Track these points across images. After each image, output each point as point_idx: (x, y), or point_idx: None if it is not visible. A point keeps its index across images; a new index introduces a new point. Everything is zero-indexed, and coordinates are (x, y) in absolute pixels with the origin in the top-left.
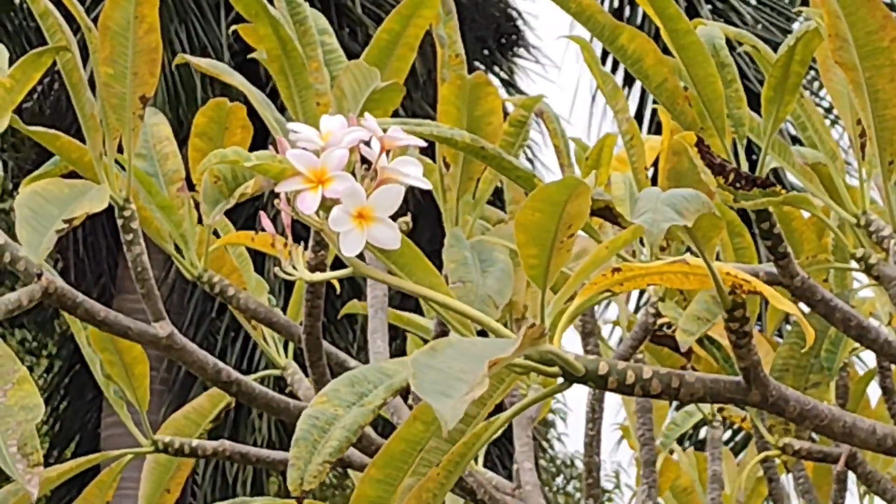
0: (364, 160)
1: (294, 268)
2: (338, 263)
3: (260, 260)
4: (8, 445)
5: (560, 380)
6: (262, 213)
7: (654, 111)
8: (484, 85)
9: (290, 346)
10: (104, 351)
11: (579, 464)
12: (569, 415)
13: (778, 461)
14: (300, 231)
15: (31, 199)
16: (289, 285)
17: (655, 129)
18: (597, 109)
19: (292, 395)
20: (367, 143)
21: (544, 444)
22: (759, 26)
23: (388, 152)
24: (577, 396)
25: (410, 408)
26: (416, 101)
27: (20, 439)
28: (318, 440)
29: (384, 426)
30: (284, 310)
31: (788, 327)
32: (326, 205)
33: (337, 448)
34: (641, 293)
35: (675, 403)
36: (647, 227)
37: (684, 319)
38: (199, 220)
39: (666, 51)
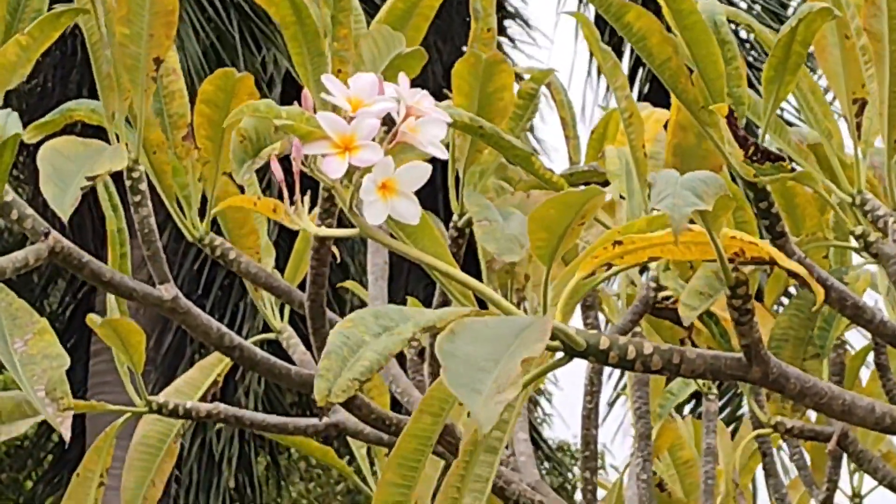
0: (386, 119)
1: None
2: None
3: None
4: (36, 390)
5: (561, 354)
6: (273, 158)
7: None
8: (498, 63)
9: (287, 310)
10: (101, 328)
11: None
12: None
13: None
14: (306, 185)
15: (53, 156)
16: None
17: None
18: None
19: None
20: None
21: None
22: (754, 12)
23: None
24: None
25: (418, 386)
26: (427, 72)
27: (48, 384)
28: (349, 357)
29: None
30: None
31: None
32: (348, 171)
33: (368, 368)
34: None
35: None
36: (670, 213)
37: (686, 294)
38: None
39: (667, 28)
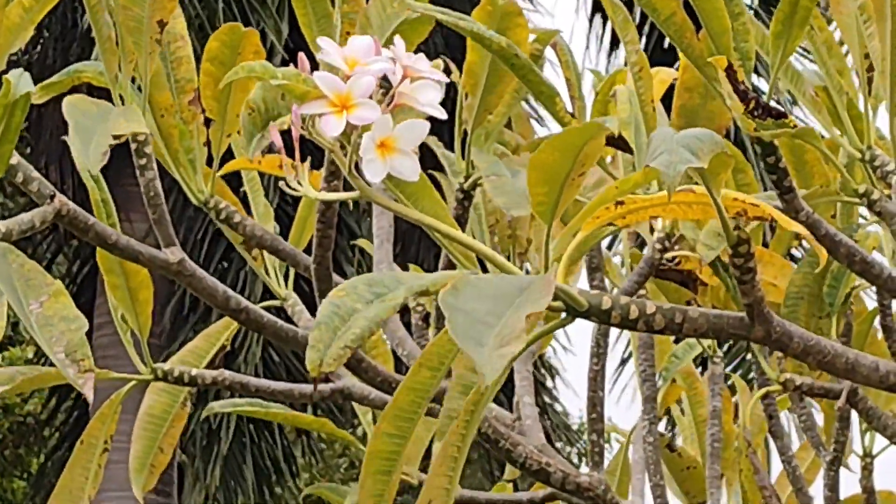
0: (383, 80)
1: (300, 183)
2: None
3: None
4: (55, 352)
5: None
6: (272, 126)
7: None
8: (514, 15)
9: (291, 277)
10: (110, 273)
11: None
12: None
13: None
14: (308, 152)
15: (75, 111)
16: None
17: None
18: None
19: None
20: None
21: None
22: None
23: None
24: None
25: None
26: (428, 43)
27: (67, 347)
28: (339, 327)
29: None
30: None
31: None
32: (344, 130)
33: (359, 335)
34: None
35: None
36: (664, 170)
37: (705, 234)
38: (207, 144)
39: None
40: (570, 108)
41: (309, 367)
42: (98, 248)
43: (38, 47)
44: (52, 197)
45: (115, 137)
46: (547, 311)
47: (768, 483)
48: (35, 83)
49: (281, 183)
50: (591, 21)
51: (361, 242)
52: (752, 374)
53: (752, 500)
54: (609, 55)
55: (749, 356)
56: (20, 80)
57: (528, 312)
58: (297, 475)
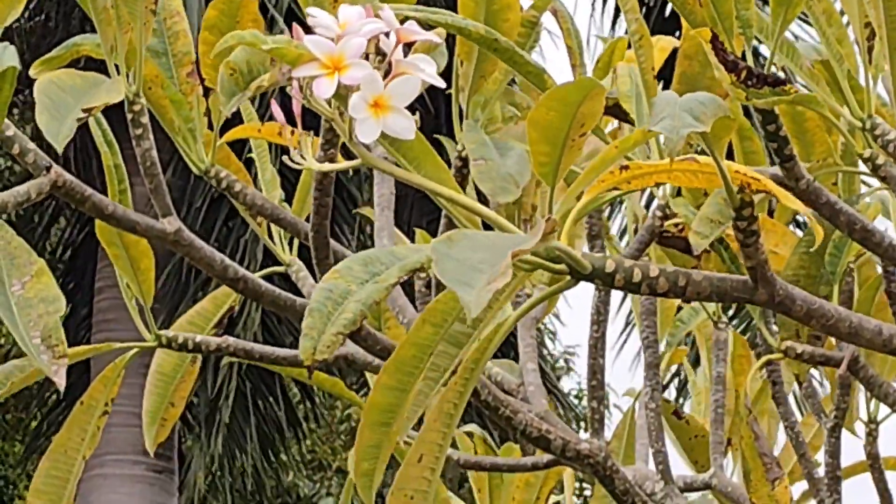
0: (379, 52)
1: (303, 157)
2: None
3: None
4: (31, 337)
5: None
6: (272, 100)
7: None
8: None
9: (295, 243)
10: (110, 245)
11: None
12: None
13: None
14: (309, 125)
15: (48, 88)
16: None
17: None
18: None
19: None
20: (386, 36)
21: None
22: None
23: (405, 46)
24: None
25: (417, 310)
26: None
27: (43, 331)
28: (332, 312)
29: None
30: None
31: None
32: (340, 93)
33: (351, 320)
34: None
35: None
36: (667, 135)
37: (697, 221)
38: (207, 114)
39: None
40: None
41: (302, 356)
42: (97, 221)
43: (39, 14)
44: (49, 168)
45: (86, 111)
46: (551, 273)
47: (768, 450)
48: (36, 49)
49: (284, 157)
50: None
51: (364, 210)
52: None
53: (753, 468)
54: (613, 24)
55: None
56: (4, 53)
57: (514, 250)
58: (301, 440)
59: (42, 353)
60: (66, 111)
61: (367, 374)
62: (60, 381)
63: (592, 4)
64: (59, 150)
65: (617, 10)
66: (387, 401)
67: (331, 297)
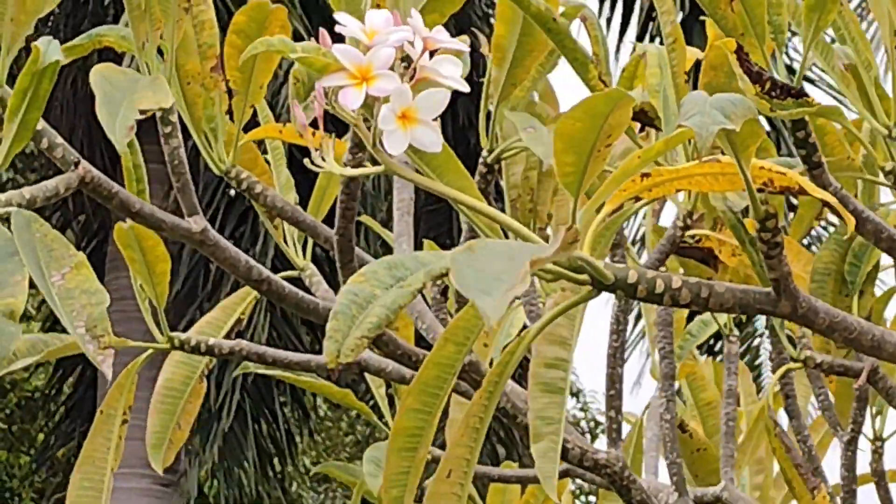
0: (404, 59)
1: (323, 159)
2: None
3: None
4: (76, 327)
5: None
6: (294, 103)
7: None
8: None
9: (309, 247)
10: (127, 248)
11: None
12: None
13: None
14: (328, 128)
15: (103, 82)
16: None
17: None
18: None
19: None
20: (411, 44)
21: None
22: None
23: (431, 53)
24: None
25: (442, 323)
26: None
27: (88, 321)
28: (357, 315)
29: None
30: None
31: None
32: (367, 103)
33: (376, 324)
34: None
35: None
36: (697, 130)
37: (733, 194)
38: (229, 113)
39: None
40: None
41: (326, 359)
42: (116, 226)
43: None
44: (77, 164)
45: (142, 112)
46: (573, 283)
47: (802, 460)
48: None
49: (306, 160)
50: (600, 6)
51: (364, 219)
52: (759, 360)
53: (793, 476)
54: (618, 41)
55: (756, 341)
56: (49, 48)
57: (533, 258)
58: (295, 456)
59: (88, 342)
60: (118, 107)
61: (372, 385)
62: (108, 371)
63: (599, 9)
64: (122, 149)
65: (624, 18)
66: (413, 424)
67: (356, 300)
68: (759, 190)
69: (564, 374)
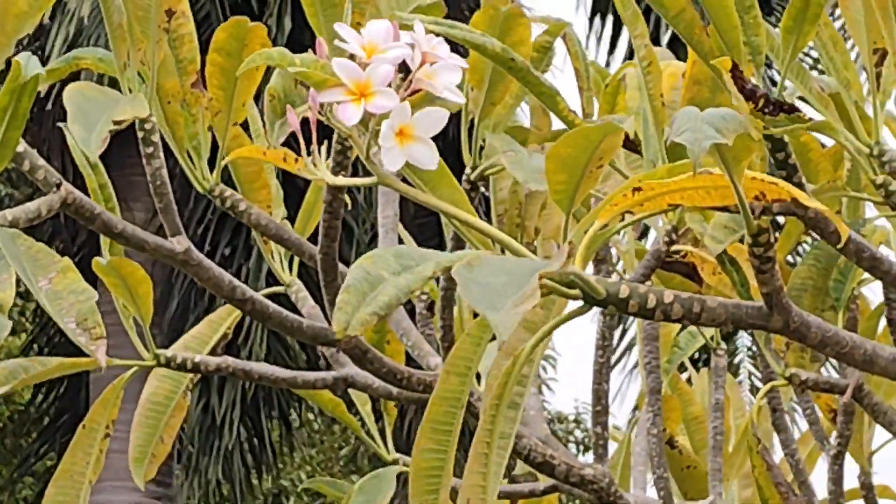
0: (401, 69)
1: (314, 165)
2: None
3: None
4: (66, 322)
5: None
6: (289, 107)
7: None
8: (517, 16)
9: (295, 263)
10: (107, 276)
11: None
12: None
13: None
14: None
15: (78, 98)
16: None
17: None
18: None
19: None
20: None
21: None
22: None
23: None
24: None
25: (428, 340)
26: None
27: (78, 316)
28: (368, 292)
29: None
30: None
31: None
32: (363, 118)
33: (387, 304)
34: None
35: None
36: (689, 146)
37: (712, 227)
38: (211, 129)
39: None
40: (578, 100)
41: (335, 329)
42: (93, 260)
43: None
44: (59, 185)
45: (117, 123)
46: (564, 298)
47: (783, 479)
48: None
49: (297, 168)
50: (591, 21)
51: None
52: (739, 377)
53: (770, 496)
54: (608, 55)
55: (737, 359)
56: (28, 63)
57: (541, 272)
58: (280, 474)
59: (79, 335)
60: (95, 122)
61: (357, 402)
62: (102, 359)
63: (587, 37)
64: (94, 159)
65: (613, 41)
66: (430, 464)
67: (368, 278)
68: (750, 204)
69: (523, 389)
